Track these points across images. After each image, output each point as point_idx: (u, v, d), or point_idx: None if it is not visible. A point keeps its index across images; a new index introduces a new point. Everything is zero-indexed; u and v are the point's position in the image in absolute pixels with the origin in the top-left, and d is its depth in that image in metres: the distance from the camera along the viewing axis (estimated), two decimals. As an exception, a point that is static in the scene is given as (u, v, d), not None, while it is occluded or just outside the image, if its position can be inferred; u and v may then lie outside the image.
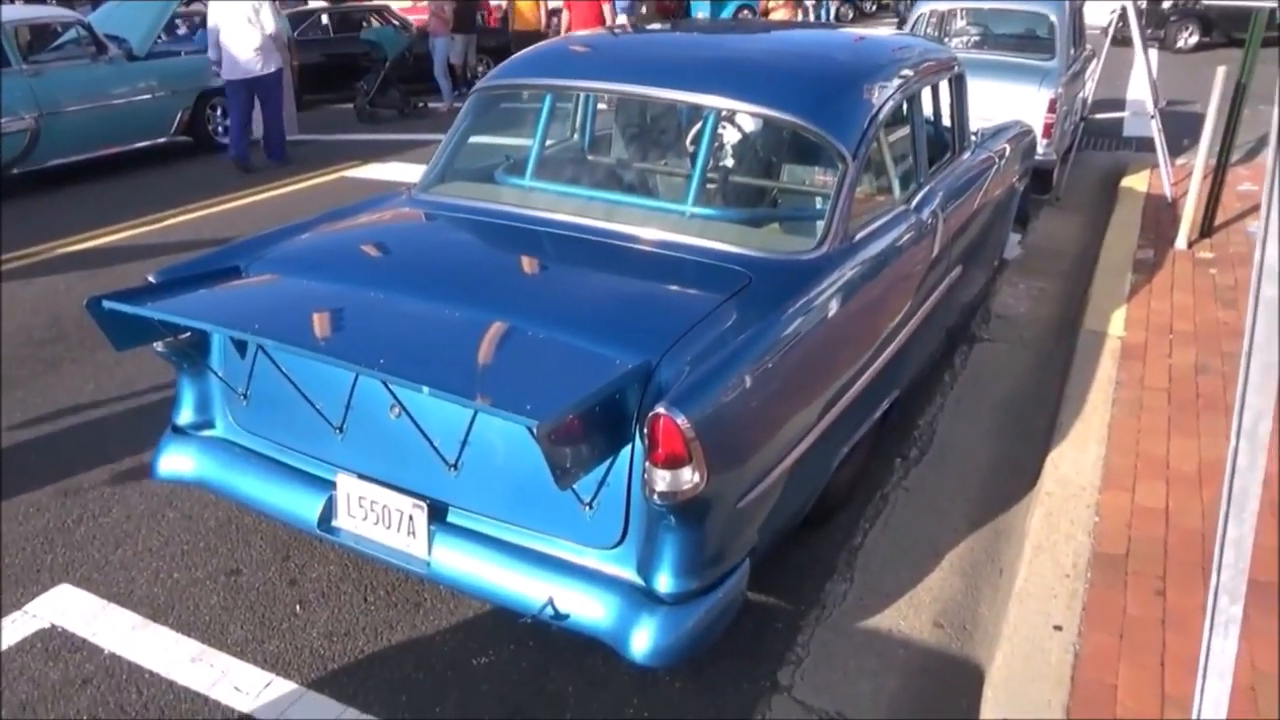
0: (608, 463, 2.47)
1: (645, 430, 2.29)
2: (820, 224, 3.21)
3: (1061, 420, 3.98)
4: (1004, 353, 5.01)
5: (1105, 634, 2.76)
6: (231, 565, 3.25)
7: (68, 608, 3.06)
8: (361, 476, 2.80)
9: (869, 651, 2.91)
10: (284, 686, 2.74)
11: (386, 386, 2.50)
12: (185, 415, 3.19)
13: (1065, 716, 2.47)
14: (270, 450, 3.06)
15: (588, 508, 2.53)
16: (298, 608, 3.05)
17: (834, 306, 2.96)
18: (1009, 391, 4.59)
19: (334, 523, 2.86)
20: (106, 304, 2.65)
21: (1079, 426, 3.93)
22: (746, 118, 4.24)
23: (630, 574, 2.51)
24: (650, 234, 3.17)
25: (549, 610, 2.51)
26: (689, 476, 2.29)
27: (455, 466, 2.67)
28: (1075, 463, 3.66)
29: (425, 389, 2.22)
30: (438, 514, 2.72)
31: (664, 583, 2.43)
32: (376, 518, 2.78)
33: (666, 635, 2.41)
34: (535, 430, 2.04)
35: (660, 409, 2.26)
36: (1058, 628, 2.80)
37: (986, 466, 3.94)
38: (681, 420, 2.25)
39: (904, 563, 3.31)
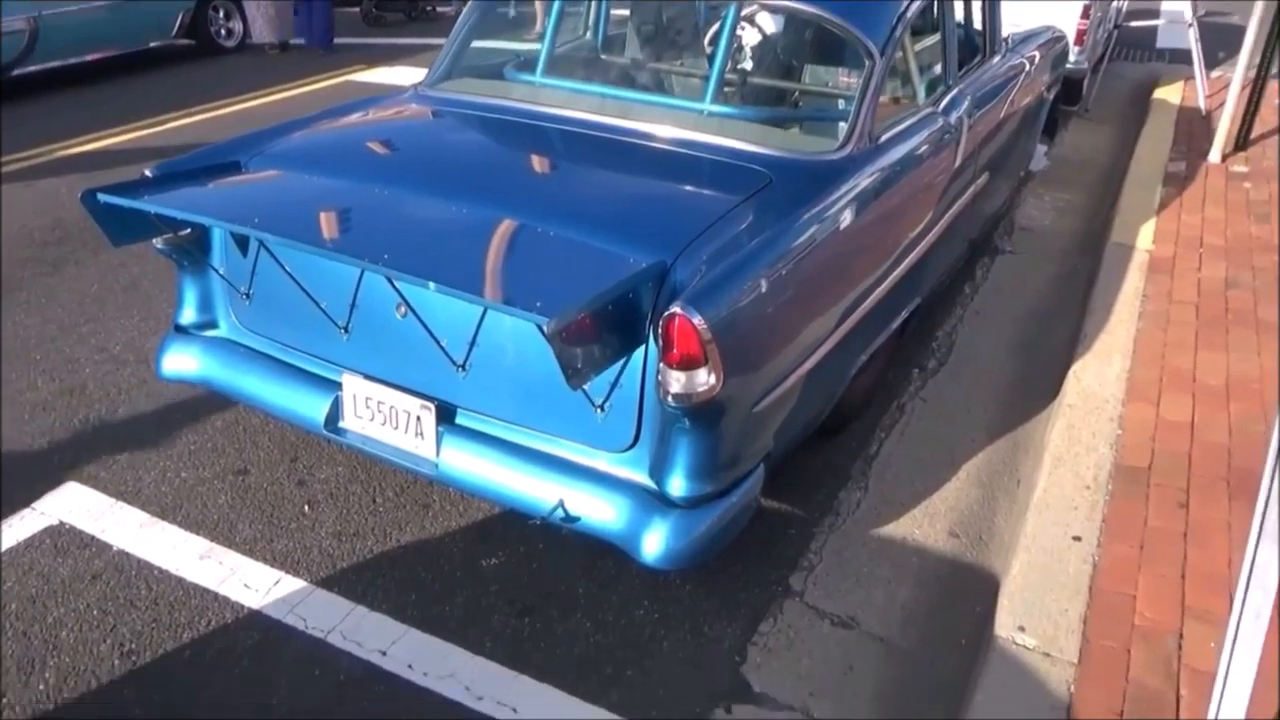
0: (620, 365, 2.40)
1: (659, 331, 2.21)
2: (844, 124, 3.07)
3: (1085, 333, 3.89)
4: (1027, 265, 4.89)
5: (1125, 545, 2.72)
6: (239, 465, 3.22)
7: (75, 505, 3.04)
8: (368, 377, 2.74)
9: (883, 559, 2.88)
10: (293, 584, 2.73)
11: (392, 284, 2.42)
12: (188, 315, 3.13)
13: (1083, 625, 2.43)
14: (274, 351, 2.99)
15: (599, 410, 2.46)
16: (306, 508, 3.02)
17: (856, 210, 2.84)
18: (1031, 304, 4.48)
19: (341, 424, 2.81)
20: (102, 197, 2.55)
21: (1103, 339, 3.83)
22: (767, 18, 4.04)
23: (642, 477, 2.46)
24: (666, 132, 3.04)
25: (559, 512, 2.47)
26: (704, 379, 2.21)
27: (463, 367, 2.60)
28: (1099, 375, 3.57)
29: (431, 285, 2.13)
30: (446, 415, 2.66)
31: (677, 486, 2.38)
32: (384, 419, 2.73)
33: (678, 539, 2.37)
34: (545, 329, 1.96)
35: (675, 308, 2.17)
36: (1076, 538, 2.75)
37: (1006, 379, 3.86)
38: (698, 320, 2.16)
39: (920, 473, 3.26)
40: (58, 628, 2.58)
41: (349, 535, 2.91)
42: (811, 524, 3.00)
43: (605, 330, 2.18)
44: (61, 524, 2.96)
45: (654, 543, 2.37)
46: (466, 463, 2.61)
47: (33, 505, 3.04)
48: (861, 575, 2.81)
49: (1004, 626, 2.45)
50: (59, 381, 3.74)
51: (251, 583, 2.73)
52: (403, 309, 2.59)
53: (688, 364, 2.19)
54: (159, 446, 3.31)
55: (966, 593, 2.78)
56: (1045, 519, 2.83)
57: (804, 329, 2.60)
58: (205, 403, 3.53)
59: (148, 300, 4.40)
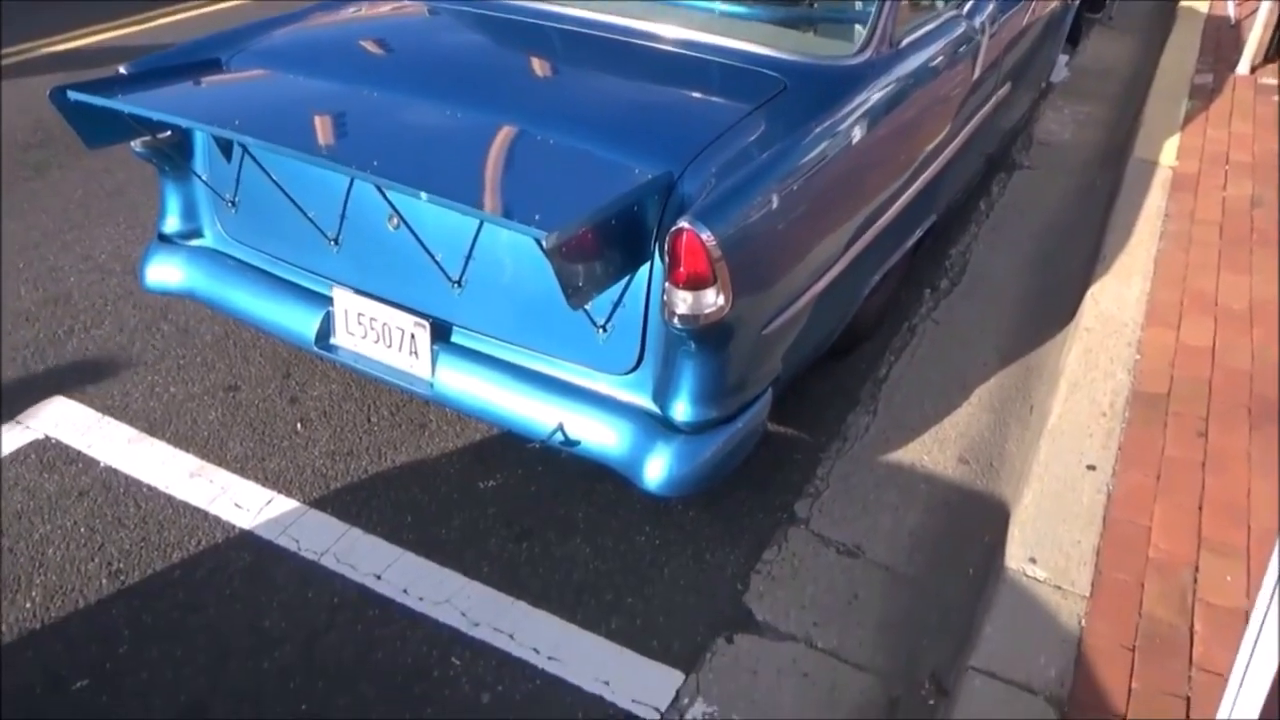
0: (623, 283, 2.28)
1: (666, 248, 2.08)
2: (863, 27, 2.88)
3: (1104, 253, 3.75)
4: (1045, 181, 4.72)
5: (1141, 474, 2.64)
6: (230, 381, 3.13)
7: (62, 420, 2.95)
8: (359, 292, 2.62)
9: (890, 485, 2.80)
10: (285, 504, 2.66)
11: (383, 194, 2.28)
12: (171, 223, 2.99)
13: (1095, 556, 2.37)
14: (262, 262, 2.87)
15: (601, 331, 2.35)
16: (299, 426, 2.94)
17: (874, 120, 2.68)
18: (1048, 222, 4.33)
19: (332, 340, 2.70)
20: (72, 95, 2.39)
21: (1123, 260, 3.69)
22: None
23: (645, 401, 2.37)
24: (674, 33, 2.85)
25: (558, 436, 2.38)
26: (712, 299, 2.09)
27: (459, 284, 2.48)
28: (1117, 297, 3.45)
29: (423, 196, 2.00)
30: (441, 333, 2.55)
31: (681, 411, 2.29)
32: (376, 336, 2.62)
33: (681, 465, 2.28)
34: (544, 244, 1.83)
35: (683, 223, 2.04)
36: (1091, 467, 2.67)
37: (1020, 300, 3.74)
38: (706, 236, 2.03)
39: (930, 397, 3.17)
40: (44, 545, 2.52)
41: (343, 455, 2.84)
42: (818, 449, 2.92)
43: (608, 246, 2.05)
44: (47, 439, 2.87)
45: (656, 469, 2.29)
46: (463, 383, 2.51)
47: (17, 419, 2.96)
48: (868, 502, 2.74)
49: (1014, 558, 2.38)
50: (43, 290, 3.62)
51: (243, 502, 2.66)
52: (395, 221, 2.46)
53: (695, 283, 2.07)
54: (147, 360, 3.21)
55: (976, 521, 2.71)
56: (1059, 446, 2.75)
57: (817, 247, 2.47)
58: (194, 315, 3.42)
59: (134, 207, 4.25)
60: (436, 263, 2.44)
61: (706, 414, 2.29)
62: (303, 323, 2.72)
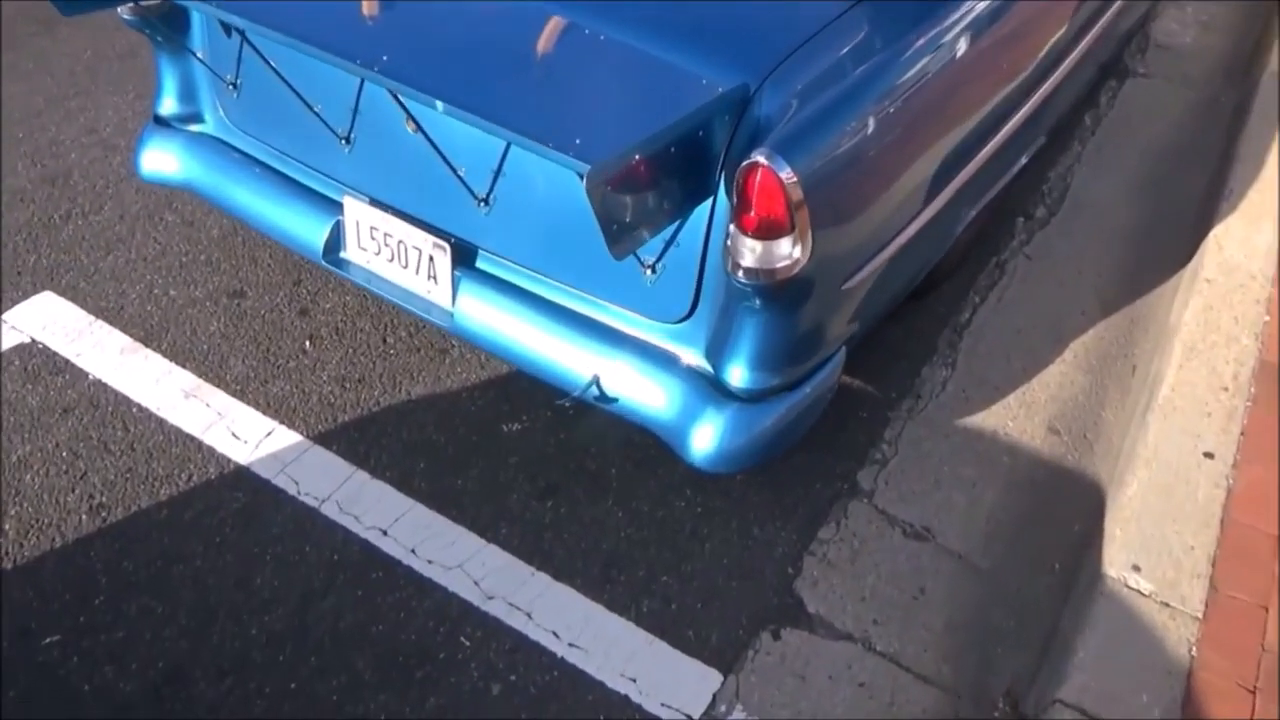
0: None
1: (734, 184, 1.70)
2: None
3: (1230, 187, 3.25)
4: (1161, 92, 4.15)
5: (1267, 468, 2.27)
6: (235, 285, 2.82)
7: (50, 321, 2.67)
8: (373, 202, 2.27)
9: (967, 456, 2.46)
10: (286, 437, 2.38)
11: (396, 97, 1.89)
12: (168, 105, 2.63)
13: (1210, 568, 2.03)
14: (267, 156, 2.52)
15: (650, 271, 1.99)
16: (307, 344, 2.64)
17: (985, 23, 2.21)
18: (1163, 141, 3.80)
19: (342, 254, 2.37)
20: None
21: (1252, 197, 3.20)
22: None
23: (696, 357, 2.02)
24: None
25: (593, 390, 2.05)
26: (787, 250, 1.72)
27: (486, 202, 2.12)
28: (1245, 244, 2.99)
29: (439, 106, 1.63)
30: (464, 257, 2.20)
31: (737, 376, 1.94)
32: (391, 254, 2.28)
33: (734, 437, 1.96)
34: (583, 179, 1.46)
35: (758, 157, 1.65)
36: (1208, 455, 2.30)
37: (1127, 234, 3.28)
38: (786, 174, 1.64)
39: (1018, 349, 2.78)
40: (22, 469, 2.28)
41: (353, 381, 2.54)
42: (887, 406, 2.57)
43: (663, 181, 1.68)
44: (34, 343, 2.60)
45: (704, 439, 1.96)
46: (488, 316, 2.18)
47: (3, 316, 2.68)
48: (941, 475, 2.40)
49: (1114, 563, 2.05)
50: (41, 167, 3.30)
51: (241, 432, 2.39)
52: (412, 125, 2.08)
53: (768, 231, 1.70)
54: (146, 257, 2.90)
55: (1065, 506, 2.38)
56: (1171, 427, 2.37)
57: (914, 183, 2.07)
58: (201, 205, 3.08)
59: (145, 74, 3.85)
60: (460, 176, 2.07)
61: (767, 381, 1.94)
62: (310, 231, 2.39)
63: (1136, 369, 2.76)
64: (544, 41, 1.89)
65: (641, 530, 2.22)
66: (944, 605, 2.13)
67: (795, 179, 1.65)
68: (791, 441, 2.04)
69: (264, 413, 2.44)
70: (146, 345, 2.62)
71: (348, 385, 2.53)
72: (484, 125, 1.61)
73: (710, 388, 1.98)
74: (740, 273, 1.75)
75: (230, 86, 2.48)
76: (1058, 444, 2.52)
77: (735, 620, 2.06)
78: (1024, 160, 2.79)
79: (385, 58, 1.76)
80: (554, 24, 1.93)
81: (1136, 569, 2.03)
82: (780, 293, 1.80)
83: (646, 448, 2.38)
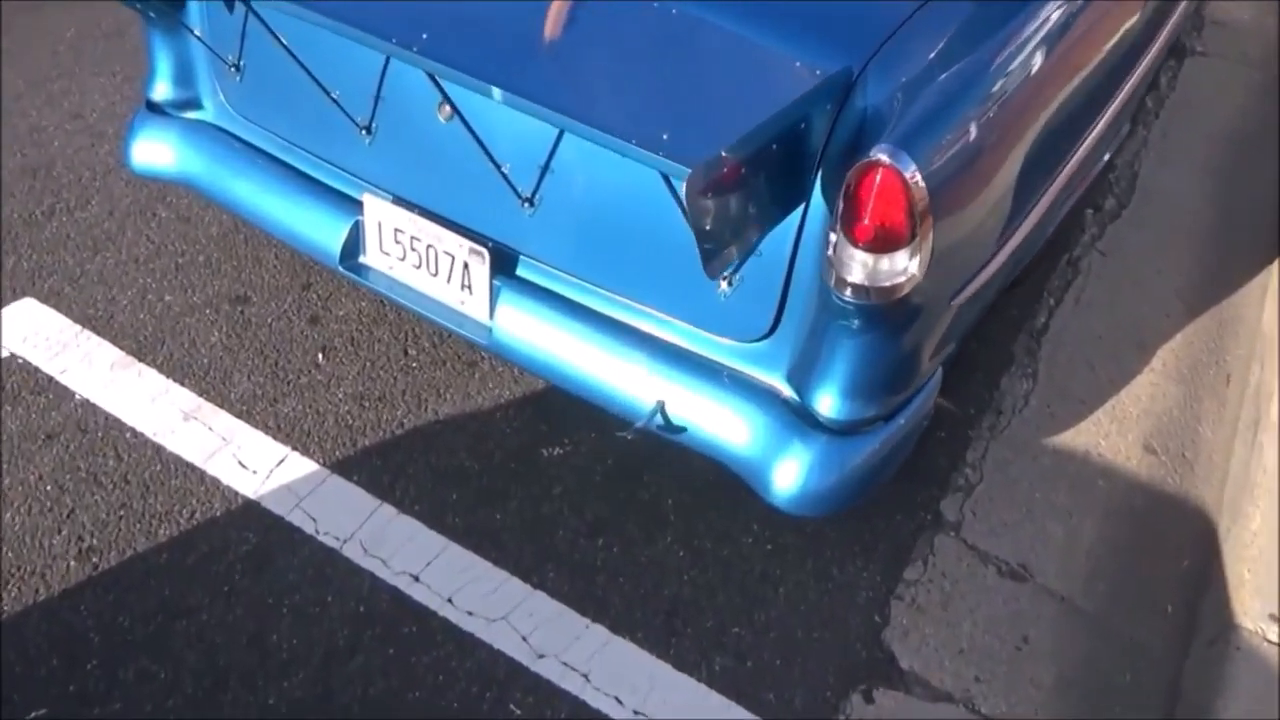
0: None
1: (844, 187, 1.43)
2: None
3: (1317, 176, 3.01)
4: (1221, 71, 3.88)
5: (1404, 498, 2.03)
6: (238, 290, 2.54)
7: (32, 331, 2.39)
8: (398, 201, 2.00)
9: (1059, 480, 2.22)
10: (301, 466, 2.12)
11: (435, 80, 1.62)
12: (162, 89, 2.34)
13: (1357, 619, 1.80)
14: (275, 148, 2.24)
15: (725, 283, 1.73)
16: (320, 356, 2.37)
17: (1081, 6, 1.95)
18: (1229, 125, 3.55)
19: (362, 259, 2.10)
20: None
21: (1341, 187, 2.96)
22: None
23: (777, 381, 1.77)
24: None
25: (658, 419, 1.79)
26: (903, 264, 1.46)
27: (531, 202, 1.85)
28: (1343, 239, 2.74)
29: (495, 94, 1.36)
30: (504, 264, 1.94)
31: (829, 404, 1.68)
32: (419, 259, 2.01)
33: (824, 475, 1.70)
34: (685, 186, 1.20)
35: (881, 155, 1.39)
36: (1338, 483, 2.06)
37: (1204, 227, 3.03)
38: (911, 174, 1.38)
39: (1100, 356, 2.53)
40: (0, 507, 2.01)
41: (373, 400, 2.27)
42: (966, 424, 2.32)
43: (763, 183, 1.42)
44: (13, 357, 2.32)
45: (789, 476, 1.71)
46: (531, 331, 1.92)
47: (-21, 328, 2.41)
48: (1033, 503, 2.16)
49: (1247, 613, 1.81)
50: (20, 157, 3.00)
51: (249, 459, 2.12)
52: (447, 110, 1.81)
53: (884, 242, 1.44)
54: (138, 258, 2.62)
55: (1171, 536, 2.14)
56: (1291, 448, 2.13)
57: (1027, 181, 1.80)
58: (199, 198, 2.80)
59: (135, 54, 3.54)
60: (502, 172, 1.80)
61: (863, 410, 1.69)
62: (325, 233, 2.12)
63: (1231, 378, 2.52)
64: (610, 20, 1.61)
65: (706, 572, 1.97)
66: (1051, 657, 1.88)
67: (921, 181, 1.39)
68: (884, 480, 1.79)
69: (274, 437, 2.17)
70: (140, 359, 2.34)
71: (367, 404, 2.26)
72: (551, 118, 1.35)
73: (795, 417, 1.72)
74: (848, 291, 1.49)
75: (232, 69, 2.19)
76: (1155, 465, 2.28)
77: (820, 679, 1.81)
78: (1111, 151, 2.54)
79: (425, 35, 1.49)
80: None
81: (1275, 619, 1.79)
82: (888, 313, 1.54)
83: (705, 473, 2.12)
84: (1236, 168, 3.31)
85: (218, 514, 2.01)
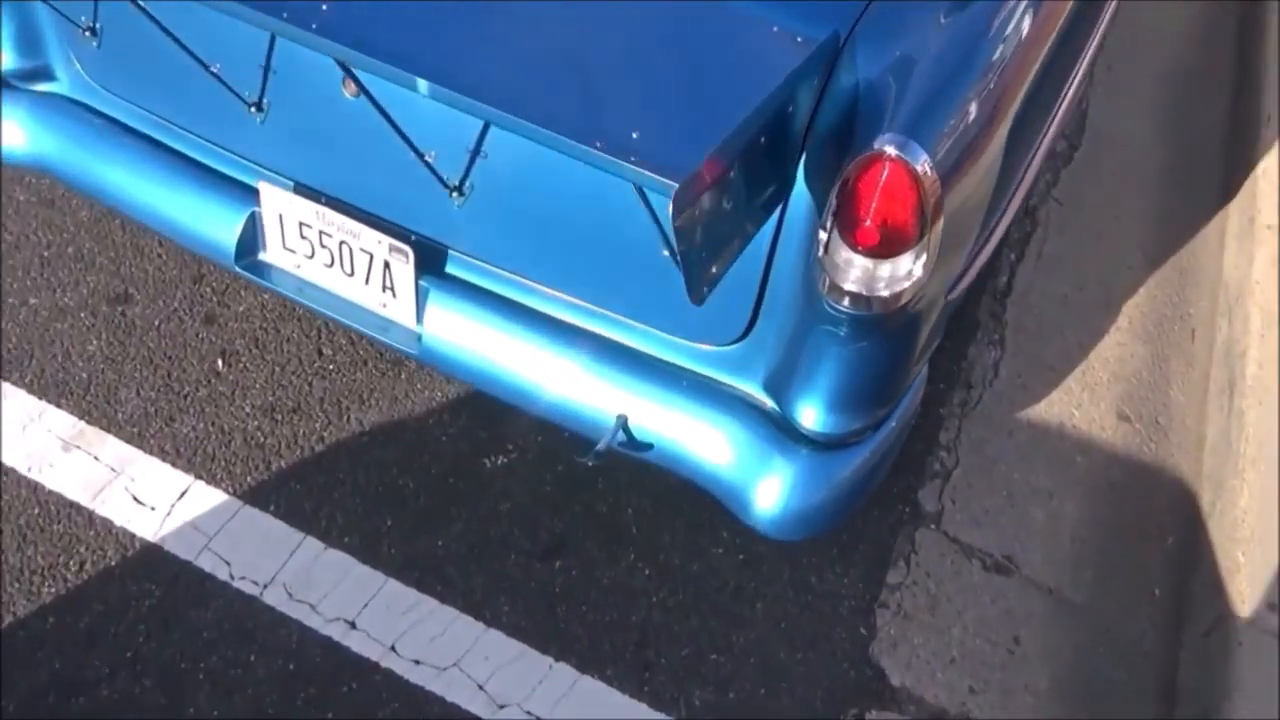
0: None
1: (842, 183, 1.22)
2: None
3: (1268, 112, 2.91)
4: (1162, 4, 3.76)
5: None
6: (117, 287, 2.21)
7: None
8: (301, 190, 1.71)
9: (1037, 458, 2.10)
10: (207, 497, 1.85)
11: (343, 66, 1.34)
12: (2, 56, 1.97)
13: (1356, 602, 1.72)
14: (146, 125, 1.91)
15: (691, 284, 1.50)
16: (220, 363, 2.08)
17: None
18: (1173, 62, 3.42)
19: (261, 255, 1.81)
20: None
21: (1294, 124, 2.87)
22: None
23: (752, 389, 1.58)
24: None
25: (620, 436, 1.58)
26: (908, 268, 1.27)
27: (460, 191, 1.58)
28: (1299, 181, 2.65)
29: (420, 85, 1.11)
30: (431, 262, 1.68)
31: (813, 417, 1.50)
32: (330, 257, 1.74)
33: (810, 493, 1.53)
34: (672, 204, 0.97)
35: (888, 147, 1.18)
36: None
37: (1157, 170, 2.92)
38: (923, 167, 1.18)
39: (1069, 318, 2.41)
40: None
41: (286, 412, 2.00)
42: (937, 401, 2.17)
43: (749, 184, 1.20)
44: None
45: (770, 496, 1.53)
46: (467, 338, 1.68)
47: None
48: (1013, 486, 2.04)
49: (1245, 600, 1.72)
50: None
51: (144, 493, 1.85)
52: (352, 87, 1.52)
53: (890, 246, 1.24)
54: (-7, 252, 2.27)
55: (1151, 512, 2.05)
56: (1271, 415, 2.04)
57: (1017, 159, 1.61)
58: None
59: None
60: (424, 158, 1.53)
61: (852, 423, 1.51)
62: (215, 227, 1.82)
63: (1196, 333, 2.43)
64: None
65: (676, 593, 1.79)
66: (1044, 657, 1.78)
67: (932, 173, 1.19)
68: (869, 494, 1.62)
69: (173, 464, 1.90)
70: (3, 378, 2.02)
71: (279, 417, 1.99)
72: (495, 117, 1.10)
73: (776, 430, 1.53)
74: (845, 300, 1.29)
75: (87, 33, 1.84)
76: (1130, 434, 2.18)
77: (808, 707, 1.67)
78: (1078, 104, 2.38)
79: (324, 7, 1.21)
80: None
81: (1277, 609, 1.70)
82: (885, 319, 1.35)
83: (666, 478, 1.93)
84: (1184, 105, 3.20)
85: (113, 563, 1.74)
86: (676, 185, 0.99)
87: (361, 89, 1.47)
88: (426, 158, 1.53)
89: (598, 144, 1.06)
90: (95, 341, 2.10)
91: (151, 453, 1.91)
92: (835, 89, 1.30)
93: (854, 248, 1.23)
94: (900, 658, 1.74)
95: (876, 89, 1.27)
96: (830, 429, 1.50)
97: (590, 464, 1.54)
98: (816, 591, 1.82)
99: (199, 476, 1.88)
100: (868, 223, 1.21)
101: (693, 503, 1.89)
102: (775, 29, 1.30)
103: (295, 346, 2.12)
